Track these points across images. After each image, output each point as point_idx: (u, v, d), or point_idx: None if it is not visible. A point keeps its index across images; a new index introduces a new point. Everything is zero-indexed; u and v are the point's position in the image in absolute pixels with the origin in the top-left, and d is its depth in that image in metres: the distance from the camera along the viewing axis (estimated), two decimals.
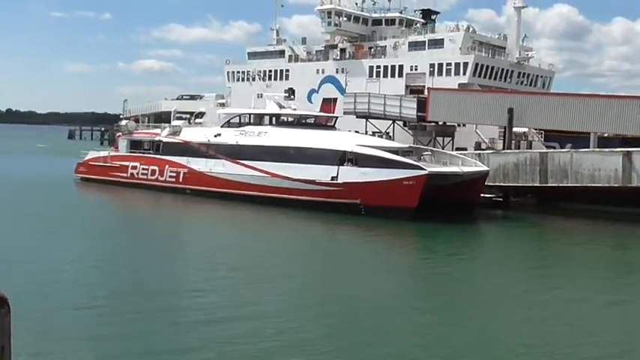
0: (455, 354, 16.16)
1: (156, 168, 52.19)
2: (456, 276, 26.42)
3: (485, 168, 42.80)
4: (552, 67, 78.89)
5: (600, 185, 43.08)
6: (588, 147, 46.35)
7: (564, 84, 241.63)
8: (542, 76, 74.74)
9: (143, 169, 53.19)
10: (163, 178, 51.48)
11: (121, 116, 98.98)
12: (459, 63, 66.02)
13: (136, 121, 69.64)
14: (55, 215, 37.70)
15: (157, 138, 53.82)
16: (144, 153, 54.27)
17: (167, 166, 51.43)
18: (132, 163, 54.22)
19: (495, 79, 67.43)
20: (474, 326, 18.78)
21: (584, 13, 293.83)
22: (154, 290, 21.72)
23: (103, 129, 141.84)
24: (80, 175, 58.16)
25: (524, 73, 71.77)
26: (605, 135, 49.41)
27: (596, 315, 20.63)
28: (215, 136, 49.79)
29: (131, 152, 55.41)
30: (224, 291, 22.11)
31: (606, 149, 44.27)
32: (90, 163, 57.97)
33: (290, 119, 50.31)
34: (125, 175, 54.23)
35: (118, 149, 57.31)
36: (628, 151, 42.62)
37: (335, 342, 17.09)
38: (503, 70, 68.59)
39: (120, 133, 59.32)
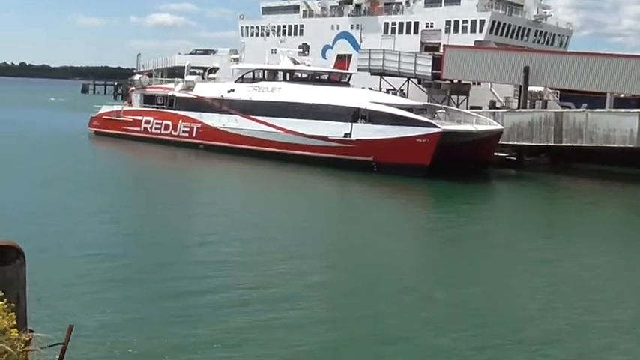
0: (466, 315, 16.29)
1: (169, 123, 52.24)
2: (468, 235, 26.48)
3: (499, 127, 42.59)
4: (570, 25, 77.81)
5: (615, 146, 42.77)
6: (604, 107, 45.92)
7: (581, 43, 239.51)
8: (559, 35, 73.77)
9: (156, 123, 53.25)
10: (177, 133, 51.57)
11: (135, 70, 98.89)
12: (475, 20, 65.19)
13: (150, 75, 69.51)
14: (69, 169, 37.93)
15: (171, 93, 53.76)
16: (157, 108, 54.28)
17: (180, 121, 51.46)
18: (145, 118, 54.27)
19: (512, 37, 66.60)
20: (485, 288, 18.88)
21: None
22: (164, 242, 21.98)
23: (116, 83, 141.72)
24: (94, 129, 58.31)
25: (541, 32, 70.84)
26: (622, 95, 48.91)
27: (608, 276, 20.68)
28: (228, 91, 49.68)
29: (144, 107, 55.41)
30: (233, 244, 22.25)
31: (622, 109, 43.87)
32: (103, 117, 58.07)
33: (304, 75, 50.07)
34: (138, 129, 54.32)
35: (131, 104, 57.30)
36: None
37: (344, 298, 17.27)
38: (520, 28, 67.70)
39: (133, 88, 59.30)
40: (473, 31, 65.04)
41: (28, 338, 5.41)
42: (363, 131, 40.83)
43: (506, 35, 65.99)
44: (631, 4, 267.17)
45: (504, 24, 65.87)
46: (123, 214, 26.87)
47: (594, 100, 47.51)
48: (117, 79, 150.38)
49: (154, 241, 22.13)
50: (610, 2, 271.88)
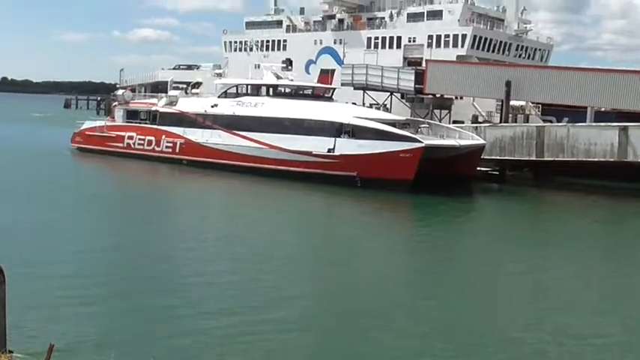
0: (452, 331, 16.31)
1: (152, 138, 52.05)
2: (452, 250, 26.57)
3: (481, 141, 42.82)
4: (550, 40, 78.51)
5: (596, 160, 43.12)
6: (585, 121, 46.29)
7: (562, 57, 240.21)
8: (540, 49, 74.42)
9: (139, 139, 53.05)
10: (160, 149, 51.39)
11: (118, 86, 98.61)
12: (457, 35, 65.66)
13: (133, 90, 69.27)
14: (50, 186, 37.68)
15: (154, 108, 53.60)
16: (140, 123, 54.07)
17: (163, 137, 51.29)
18: (128, 133, 54.06)
19: (494, 51, 67.11)
20: (471, 303, 18.92)
21: None
22: (146, 260, 21.79)
23: (99, 98, 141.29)
24: (76, 144, 58.01)
25: (522, 46, 71.43)
26: (602, 109, 49.34)
27: (590, 289, 20.77)
28: (212, 106, 49.61)
29: (127, 122, 55.18)
30: (216, 262, 22.14)
31: (602, 124, 44.24)
32: (86, 132, 57.77)
33: (287, 90, 50.13)
34: (121, 145, 54.09)
35: (114, 119, 57.04)
36: (624, 126, 42.59)
37: (329, 315, 17.24)
38: (501, 42, 68.25)
39: (116, 103, 59.05)
40: (455, 45, 65.49)
41: (7, 359, 5.37)
42: (347, 146, 40.89)
43: (488, 50, 66.50)
44: (610, 19, 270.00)
45: (486, 38, 66.37)
46: (105, 232, 26.69)
47: (575, 114, 47.90)
48: (100, 95, 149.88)
49: (135, 260, 21.97)
50: (590, 17, 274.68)
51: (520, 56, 70.81)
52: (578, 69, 51.54)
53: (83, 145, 57.18)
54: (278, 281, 19.78)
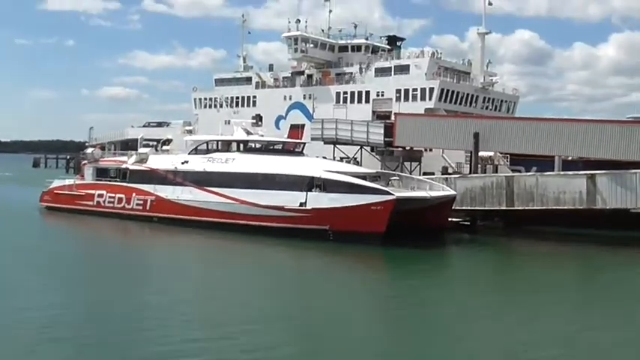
0: None
1: (122, 196, 51.66)
2: (425, 301, 26.44)
3: (452, 192, 43.10)
4: (516, 91, 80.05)
5: (565, 208, 43.61)
6: (553, 170, 46.93)
7: (528, 108, 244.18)
8: (506, 101, 75.76)
9: (109, 197, 52.63)
10: (130, 206, 50.96)
11: (87, 144, 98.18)
12: (424, 88, 66.68)
13: (102, 148, 69.00)
14: (16, 246, 37.00)
15: (124, 166, 53.34)
16: (110, 181, 53.72)
17: (134, 194, 50.92)
18: (98, 192, 53.61)
19: (461, 104, 68.18)
20: (445, 355, 18.79)
21: (545, 39, 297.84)
22: (113, 324, 21.23)
23: (68, 157, 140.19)
24: (45, 203, 57.34)
25: (489, 98, 72.66)
26: (570, 158, 50.11)
27: (561, 341, 20.73)
28: (182, 163, 49.52)
29: (97, 180, 54.80)
30: (185, 324, 21.70)
31: (570, 172, 44.88)
32: (55, 191, 57.21)
33: (257, 145, 50.26)
34: (91, 203, 53.59)
35: (83, 177, 56.65)
36: (592, 174, 43.26)
37: None
38: (468, 95, 69.39)
39: (86, 161, 58.68)
40: (422, 98, 66.47)
41: None
42: (318, 200, 40.90)
43: (455, 102, 67.55)
44: (573, 71, 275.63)
45: (453, 91, 67.48)
46: (69, 294, 26.02)
47: (543, 163, 48.56)
48: (69, 153, 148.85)
49: (101, 325, 21.36)
50: (554, 69, 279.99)
51: (487, 108, 72.00)
52: (544, 119, 52.57)
53: (52, 204, 56.53)
54: (252, 342, 19.46)
